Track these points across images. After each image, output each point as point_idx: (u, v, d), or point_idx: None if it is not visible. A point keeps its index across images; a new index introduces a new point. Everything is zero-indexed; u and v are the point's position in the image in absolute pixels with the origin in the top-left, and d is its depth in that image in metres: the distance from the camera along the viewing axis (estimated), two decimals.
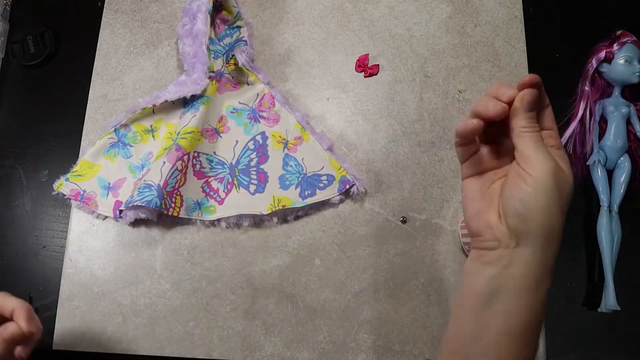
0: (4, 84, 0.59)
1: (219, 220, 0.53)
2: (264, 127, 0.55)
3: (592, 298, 0.53)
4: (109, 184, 0.54)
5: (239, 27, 0.58)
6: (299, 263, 0.53)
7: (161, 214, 0.52)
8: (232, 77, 0.57)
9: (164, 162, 0.51)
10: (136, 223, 0.53)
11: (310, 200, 0.53)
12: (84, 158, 0.55)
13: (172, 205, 0.51)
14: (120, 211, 0.52)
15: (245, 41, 0.57)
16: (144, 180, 0.51)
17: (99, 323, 0.51)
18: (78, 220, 0.54)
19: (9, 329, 0.38)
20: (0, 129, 0.58)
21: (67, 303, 0.52)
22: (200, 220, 0.53)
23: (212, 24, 0.57)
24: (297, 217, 0.54)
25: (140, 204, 0.50)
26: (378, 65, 0.59)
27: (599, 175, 0.54)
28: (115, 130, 0.55)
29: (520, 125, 0.32)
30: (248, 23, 0.58)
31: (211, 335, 0.51)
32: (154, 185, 0.50)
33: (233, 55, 0.55)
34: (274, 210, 0.52)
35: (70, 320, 0.51)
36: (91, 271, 0.52)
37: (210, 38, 0.55)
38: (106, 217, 0.53)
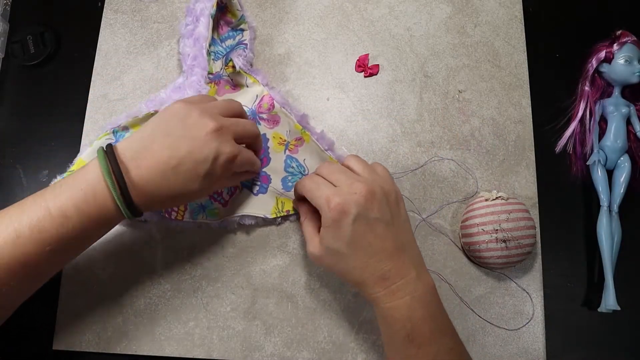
0: (4, 84, 0.59)
1: (222, 221, 0.53)
2: (264, 129, 0.55)
3: (592, 298, 0.53)
4: None
5: (242, 29, 0.57)
6: (299, 263, 0.53)
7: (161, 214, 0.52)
8: (231, 80, 0.56)
9: None
10: (136, 223, 0.53)
11: None
12: (81, 157, 0.54)
13: (176, 209, 0.51)
14: None
15: (246, 44, 0.57)
16: None
17: (99, 323, 0.51)
18: None
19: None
20: (0, 128, 0.57)
21: (67, 303, 0.51)
22: (206, 223, 0.52)
23: (217, 25, 0.57)
24: (297, 217, 0.54)
25: None
26: (378, 65, 0.59)
27: (599, 175, 0.54)
28: (113, 131, 0.55)
29: None
30: (252, 27, 0.58)
31: (211, 335, 0.51)
32: None
33: (231, 58, 0.55)
34: (278, 215, 0.52)
35: (70, 320, 0.51)
36: (91, 271, 0.52)
37: (212, 38, 0.55)
38: None
